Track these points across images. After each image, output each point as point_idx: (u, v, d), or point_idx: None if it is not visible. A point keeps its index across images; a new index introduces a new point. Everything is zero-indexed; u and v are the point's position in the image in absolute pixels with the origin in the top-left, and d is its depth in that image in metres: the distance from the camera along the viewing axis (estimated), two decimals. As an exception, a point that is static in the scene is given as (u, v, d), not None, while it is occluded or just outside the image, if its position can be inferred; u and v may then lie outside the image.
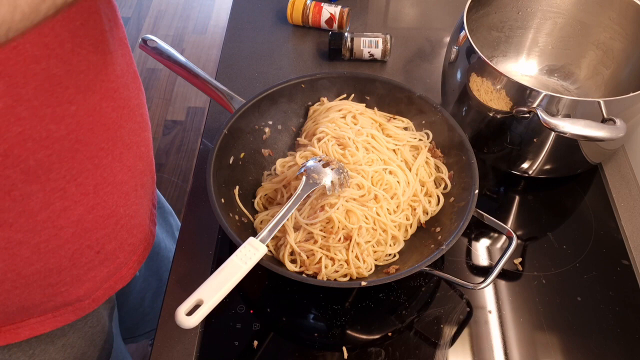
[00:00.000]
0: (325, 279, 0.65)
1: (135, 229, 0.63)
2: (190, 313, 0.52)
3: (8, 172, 0.44)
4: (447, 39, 0.84)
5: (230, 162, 0.73)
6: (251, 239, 0.58)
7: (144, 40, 0.78)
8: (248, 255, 0.57)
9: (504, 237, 0.75)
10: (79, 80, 0.47)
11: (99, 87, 0.49)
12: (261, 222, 0.71)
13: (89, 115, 0.49)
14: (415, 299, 0.69)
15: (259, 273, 0.69)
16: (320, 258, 0.65)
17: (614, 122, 0.63)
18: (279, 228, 0.61)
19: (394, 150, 0.75)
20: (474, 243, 0.75)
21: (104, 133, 0.52)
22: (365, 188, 0.69)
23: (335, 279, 0.66)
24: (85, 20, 0.46)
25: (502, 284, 0.71)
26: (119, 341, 0.84)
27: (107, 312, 0.76)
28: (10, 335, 0.59)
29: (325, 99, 0.80)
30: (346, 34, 0.95)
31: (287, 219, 0.63)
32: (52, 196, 0.49)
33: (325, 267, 0.65)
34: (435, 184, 0.75)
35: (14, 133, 0.43)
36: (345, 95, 0.80)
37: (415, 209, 0.71)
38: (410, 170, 0.73)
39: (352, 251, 0.66)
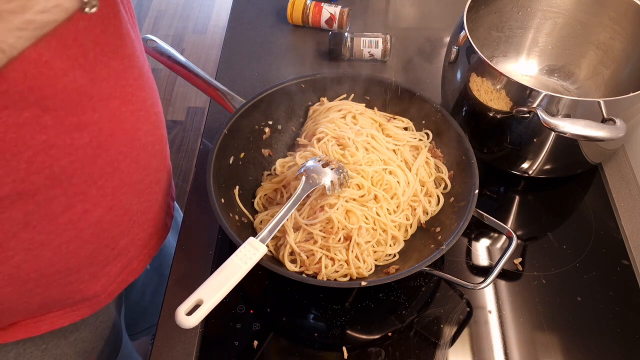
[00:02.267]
0: (325, 279, 0.65)
1: (146, 223, 0.64)
2: (190, 313, 0.52)
3: (33, 178, 0.45)
4: (447, 39, 0.84)
5: (230, 162, 0.73)
6: (251, 239, 0.58)
7: (144, 40, 0.78)
8: (248, 255, 0.57)
9: (504, 237, 0.75)
10: (101, 87, 0.47)
11: (119, 93, 0.50)
12: (261, 222, 0.71)
13: (110, 121, 0.50)
14: (415, 299, 0.69)
15: (259, 273, 0.69)
16: (320, 258, 0.65)
17: (614, 122, 0.63)
18: (279, 228, 0.61)
19: (394, 150, 0.75)
20: (474, 243, 0.75)
21: (123, 137, 0.52)
22: (365, 188, 0.69)
23: (335, 279, 0.66)
24: (106, 26, 0.47)
25: (502, 284, 0.71)
26: (126, 337, 0.85)
27: (116, 306, 0.77)
28: (31, 329, 0.60)
29: (325, 99, 0.80)
30: (346, 34, 0.95)
31: (287, 219, 0.63)
32: (74, 200, 0.50)
33: (325, 267, 0.65)
34: (435, 184, 0.75)
35: (38, 141, 0.44)
36: (345, 95, 0.80)
37: (415, 209, 0.71)
38: (410, 170, 0.73)
39: (352, 251, 0.66)
